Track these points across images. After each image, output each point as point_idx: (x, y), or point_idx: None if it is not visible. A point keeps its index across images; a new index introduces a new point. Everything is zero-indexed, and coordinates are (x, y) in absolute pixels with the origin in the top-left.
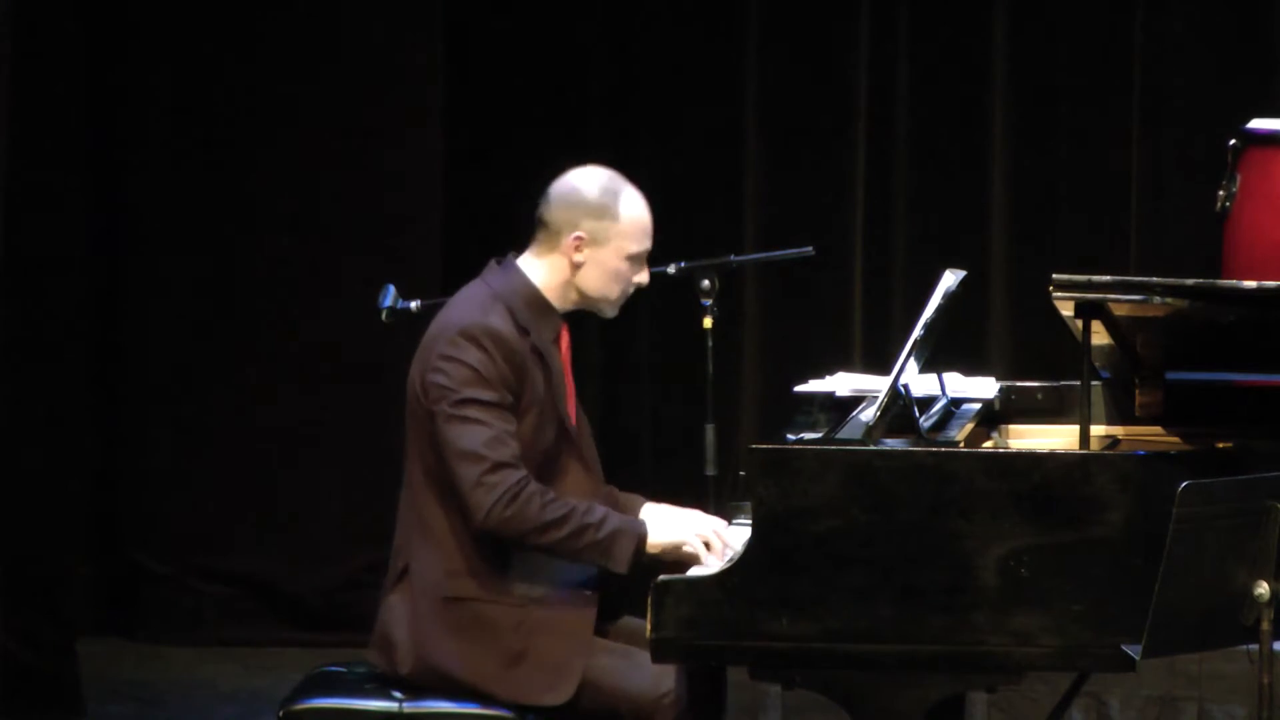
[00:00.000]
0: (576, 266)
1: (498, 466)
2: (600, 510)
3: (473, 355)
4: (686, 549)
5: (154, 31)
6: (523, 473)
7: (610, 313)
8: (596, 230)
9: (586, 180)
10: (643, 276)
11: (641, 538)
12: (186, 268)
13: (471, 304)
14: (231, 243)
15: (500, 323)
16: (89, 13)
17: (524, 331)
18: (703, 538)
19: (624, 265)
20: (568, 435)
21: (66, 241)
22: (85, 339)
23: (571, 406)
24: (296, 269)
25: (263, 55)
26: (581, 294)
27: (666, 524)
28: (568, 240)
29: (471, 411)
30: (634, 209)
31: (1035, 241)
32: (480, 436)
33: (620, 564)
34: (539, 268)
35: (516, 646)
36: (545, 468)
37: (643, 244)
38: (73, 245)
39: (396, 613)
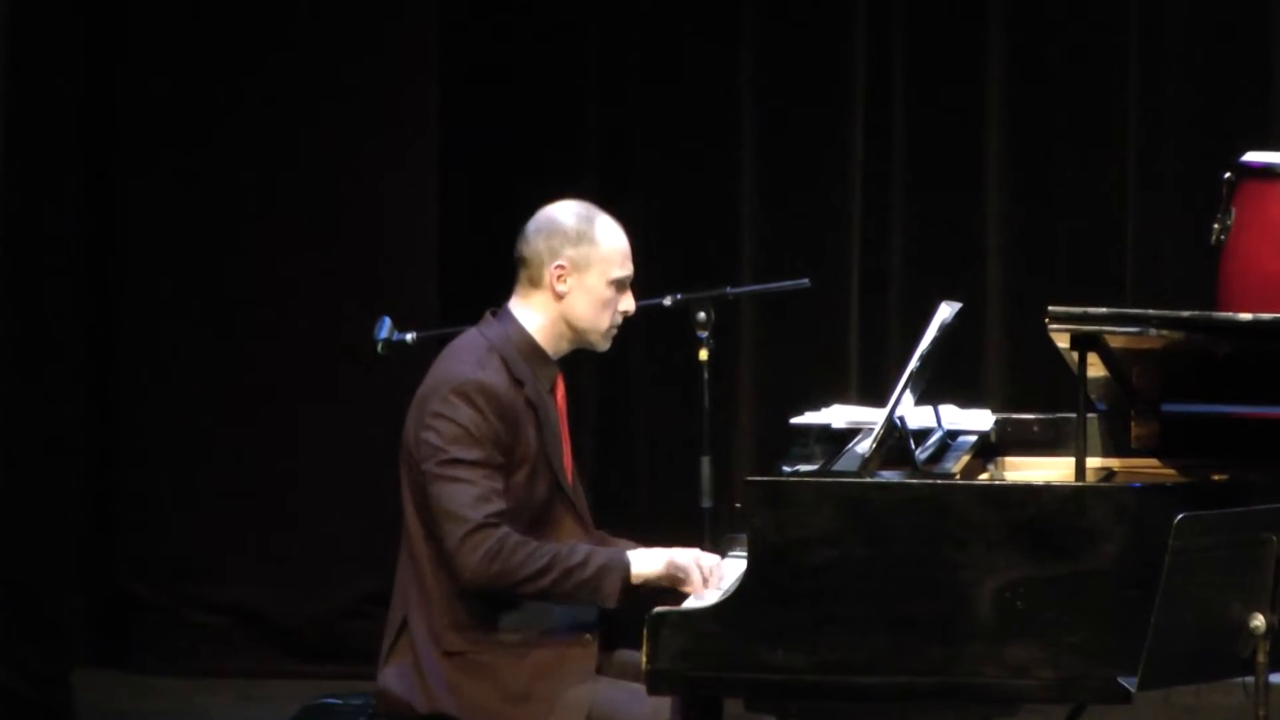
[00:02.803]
0: (561, 297)
1: (480, 526)
2: (582, 550)
3: (464, 413)
4: (673, 573)
5: (153, 46)
6: (504, 529)
7: (603, 346)
8: (577, 257)
9: (561, 211)
10: (628, 304)
11: (626, 570)
12: (181, 299)
13: (466, 357)
14: (227, 276)
15: (494, 377)
16: (87, 23)
17: (518, 383)
18: (686, 563)
19: (608, 291)
20: (561, 488)
21: (61, 270)
22: (79, 370)
23: (567, 459)
24: (294, 300)
25: (263, 79)
26: (572, 328)
27: (651, 553)
28: (550, 272)
29: (457, 471)
30: (611, 233)
31: (1031, 274)
32: (464, 496)
33: (610, 599)
34: (529, 311)
35: (520, 689)
36: (539, 520)
37: (625, 268)
38: (68, 275)
39: (398, 671)
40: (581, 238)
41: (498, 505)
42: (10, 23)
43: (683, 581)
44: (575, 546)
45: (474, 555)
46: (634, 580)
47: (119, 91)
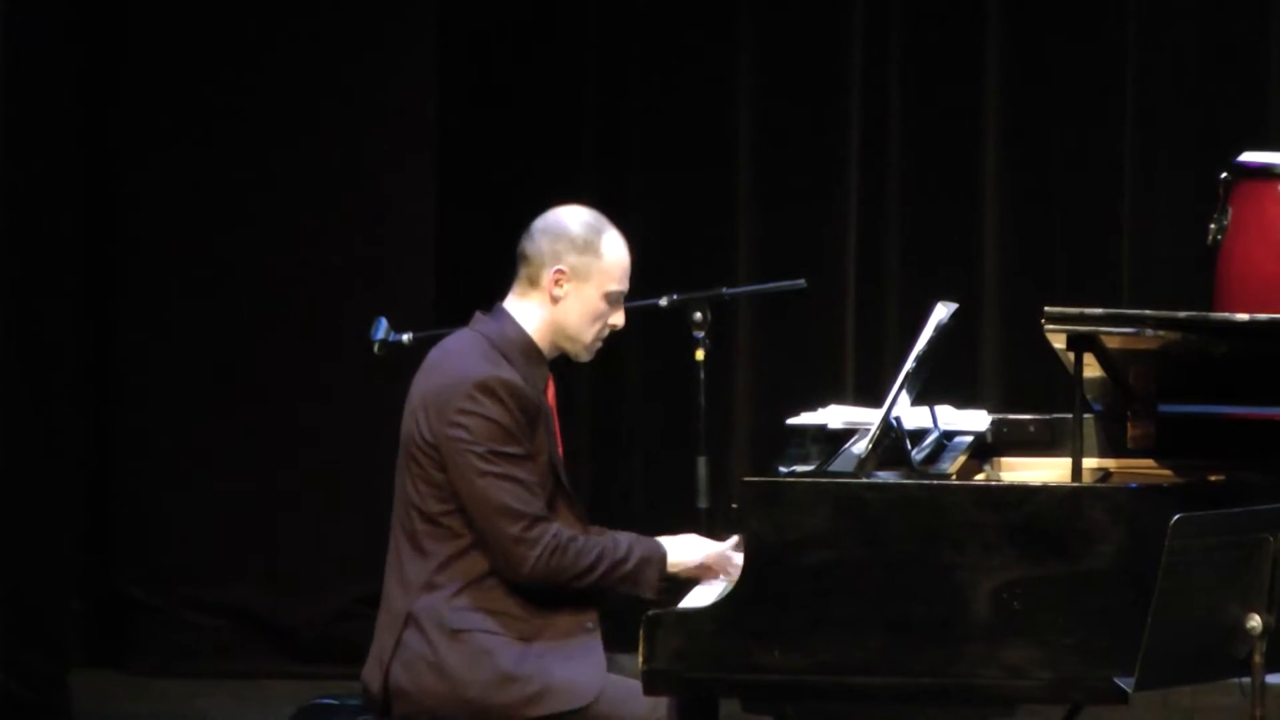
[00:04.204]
0: (556, 301)
1: (535, 521)
2: (624, 543)
3: (490, 409)
4: (706, 568)
5: (154, 46)
6: (556, 525)
7: (584, 357)
8: (579, 265)
9: (570, 216)
10: (618, 318)
11: (664, 560)
12: (180, 300)
13: (474, 355)
14: (224, 278)
15: (510, 374)
16: (88, 21)
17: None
18: (719, 556)
19: (602, 304)
20: (560, 484)
21: (59, 272)
22: (77, 372)
23: (560, 456)
24: (291, 303)
25: (263, 78)
26: (559, 334)
27: (687, 545)
28: (549, 274)
29: (500, 466)
30: (617, 247)
31: (1027, 274)
32: (513, 492)
33: (649, 589)
34: (525, 311)
35: (526, 671)
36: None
37: (622, 284)
38: (65, 275)
39: (404, 664)
40: (587, 247)
41: (543, 499)
42: (8, 22)
43: (714, 575)
44: (616, 539)
45: (533, 551)
46: (669, 569)
47: (119, 91)
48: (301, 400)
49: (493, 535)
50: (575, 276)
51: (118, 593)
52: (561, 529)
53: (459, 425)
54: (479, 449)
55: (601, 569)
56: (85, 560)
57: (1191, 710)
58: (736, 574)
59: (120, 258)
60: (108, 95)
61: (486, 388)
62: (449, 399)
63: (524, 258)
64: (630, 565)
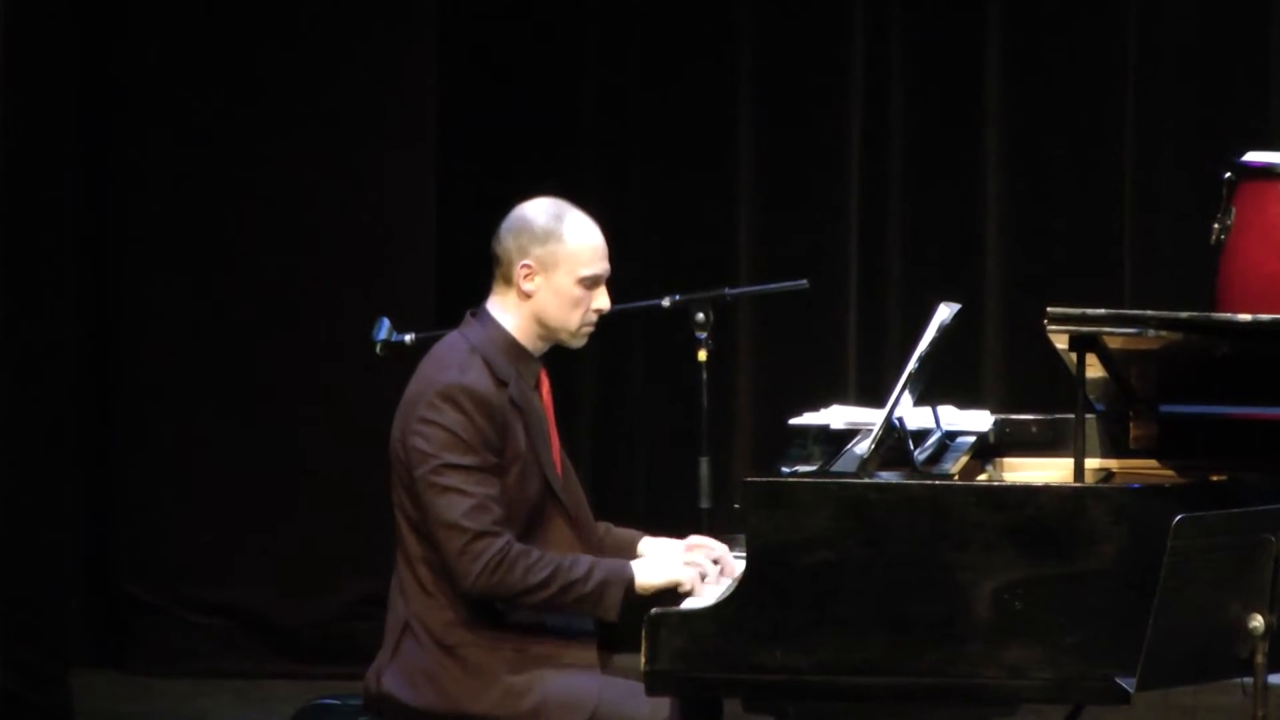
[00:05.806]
0: (529, 295)
1: (479, 535)
2: (584, 563)
3: (450, 417)
4: (682, 587)
5: (153, 46)
6: (505, 538)
7: (575, 343)
8: (544, 256)
9: (532, 209)
10: (602, 301)
11: (629, 583)
12: (181, 300)
13: (449, 361)
14: (224, 278)
15: (478, 379)
16: (86, 24)
17: (502, 383)
18: (695, 568)
19: (577, 290)
20: (550, 487)
21: (59, 271)
22: (79, 371)
23: (555, 455)
24: (291, 303)
25: (263, 78)
26: (543, 326)
27: (656, 564)
28: (518, 270)
29: (450, 479)
30: (581, 231)
31: (1029, 274)
32: (460, 506)
33: (611, 612)
34: (505, 310)
35: (522, 685)
36: (530, 520)
37: (594, 266)
38: (67, 275)
39: (400, 672)
40: (549, 236)
41: (496, 513)
42: (8, 22)
43: (689, 593)
44: (578, 558)
45: (475, 565)
46: (638, 592)
47: (119, 92)
48: (301, 400)
49: (440, 548)
50: (543, 268)
51: (118, 593)
52: (511, 543)
53: (418, 434)
54: (433, 461)
55: (554, 588)
56: (85, 560)
57: (1193, 710)
58: (716, 575)
59: (120, 256)
60: (108, 94)
61: (448, 395)
62: (415, 406)
63: (495, 259)
64: (589, 587)
